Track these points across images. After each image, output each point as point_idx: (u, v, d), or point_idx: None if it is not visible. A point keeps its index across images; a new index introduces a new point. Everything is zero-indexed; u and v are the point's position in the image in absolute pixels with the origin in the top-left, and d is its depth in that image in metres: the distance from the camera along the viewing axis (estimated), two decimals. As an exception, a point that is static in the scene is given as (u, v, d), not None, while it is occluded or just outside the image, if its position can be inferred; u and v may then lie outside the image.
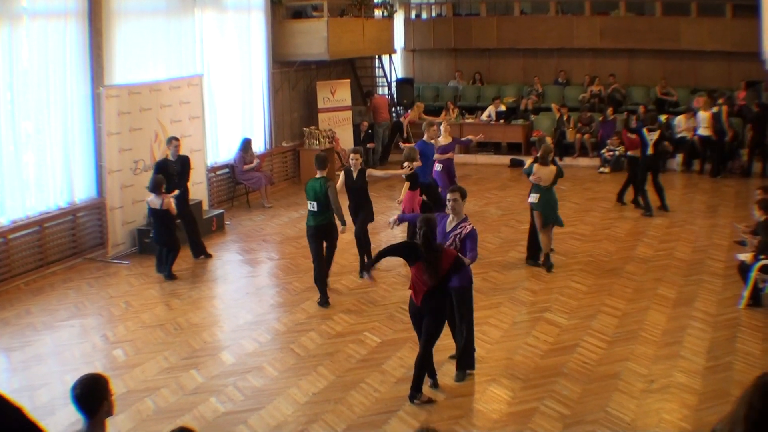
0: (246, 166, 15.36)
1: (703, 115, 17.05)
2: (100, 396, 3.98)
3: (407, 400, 7.31)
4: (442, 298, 7.21)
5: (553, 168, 10.99)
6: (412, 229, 10.25)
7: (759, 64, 16.77)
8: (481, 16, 22.66)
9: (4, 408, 3.82)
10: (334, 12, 18.04)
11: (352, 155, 10.92)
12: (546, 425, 6.85)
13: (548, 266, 11.06)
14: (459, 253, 7.30)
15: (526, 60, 22.25)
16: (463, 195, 7.69)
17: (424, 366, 7.29)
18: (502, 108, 19.98)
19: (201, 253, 12.10)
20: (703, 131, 17.09)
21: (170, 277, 11.14)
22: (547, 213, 11.01)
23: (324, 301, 9.97)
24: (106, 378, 4.08)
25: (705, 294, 9.97)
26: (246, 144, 15.59)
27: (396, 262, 11.74)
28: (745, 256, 9.70)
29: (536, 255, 11.32)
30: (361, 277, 10.81)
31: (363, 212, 10.88)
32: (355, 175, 10.73)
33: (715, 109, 17.03)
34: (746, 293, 9.41)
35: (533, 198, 11.04)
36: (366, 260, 10.81)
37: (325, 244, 10.06)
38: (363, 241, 10.96)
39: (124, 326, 9.46)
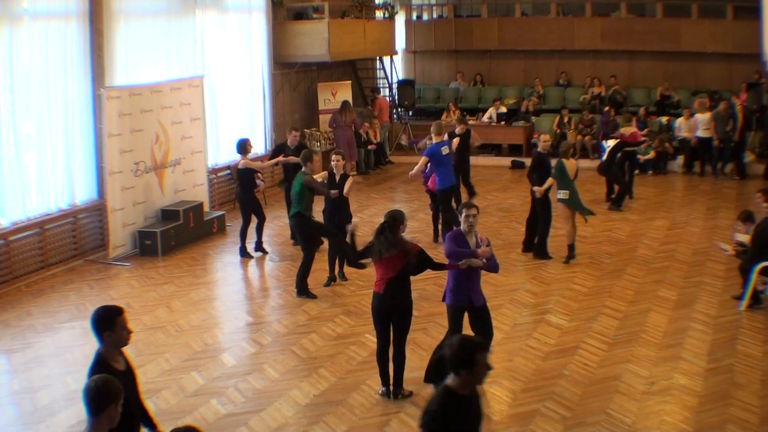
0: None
1: (702, 117, 17.02)
2: (108, 398, 4.02)
3: (406, 399, 7.33)
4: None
5: (574, 161, 11.56)
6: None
7: (760, 66, 16.79)
8: (482, 17, 22.67)
9: None
10: (335, 13, 18.05)
11: (333, 156, 10.66)
12: (547, 427, 6.85)
13: (570, 256, 11.47)
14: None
15: (527, 61, 22.26)
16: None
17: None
18: (503, 109, 19.98)
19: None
20: (703, 133, 17.06)
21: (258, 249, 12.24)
22: (576, 204, 11.32)
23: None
24: (120, 386, 4.10)
25: (706, 296, 9.97)
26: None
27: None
28: (727, 246, 10.14)
29: (531, 246, 11.87)
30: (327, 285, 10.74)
31: (342, 217, 10.42)
32: (337, 177, 10.46)
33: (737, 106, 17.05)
34: (747, 295, 9.41)
35: (563, 194, 11.23)
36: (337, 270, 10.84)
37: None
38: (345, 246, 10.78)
39: (124, 328, 9.45)
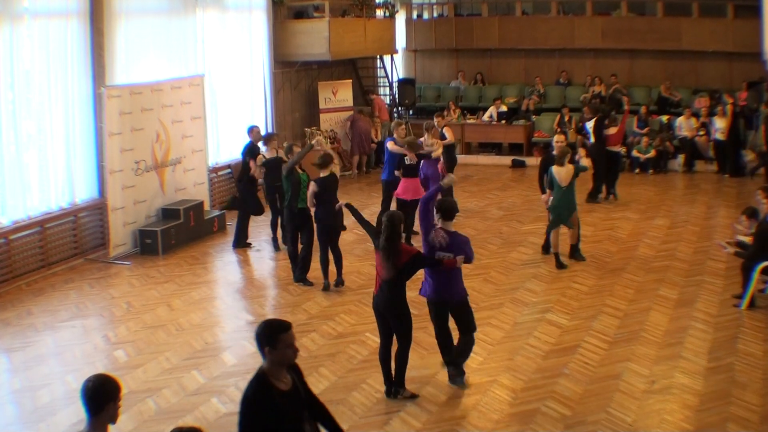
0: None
1: (719, 121, 16.81)
2: (107, 397, 4.01)
3: (408, 400, 7.33)
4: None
5: (570, 167, 10.94)
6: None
7: (760, 65, 16.77)
8: (483, 16, 22.66)
9: None
10: (335, 12, 18.06)
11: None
12: (547, 426, 6.85)
13: (559, 264, 11.12)
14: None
15: (528, 60, 22.26)
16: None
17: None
18: (504, 108, 19.97)
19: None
20: (720, 136, 16.90)
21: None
22: (560, 213, 11.05)
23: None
24: (118, 384, 4.09)
25: (706, 295, 9.96)
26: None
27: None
28: (728, 243, 10.17)
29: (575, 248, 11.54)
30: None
31: (337, 221, 10.59)
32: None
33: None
34: (748, 294, 9.41)
35: (551, 201, 11.11)
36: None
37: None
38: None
39: (125, 327, 9.46)
